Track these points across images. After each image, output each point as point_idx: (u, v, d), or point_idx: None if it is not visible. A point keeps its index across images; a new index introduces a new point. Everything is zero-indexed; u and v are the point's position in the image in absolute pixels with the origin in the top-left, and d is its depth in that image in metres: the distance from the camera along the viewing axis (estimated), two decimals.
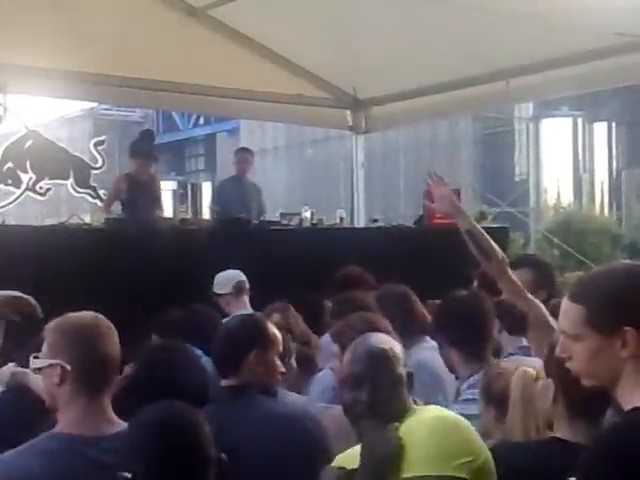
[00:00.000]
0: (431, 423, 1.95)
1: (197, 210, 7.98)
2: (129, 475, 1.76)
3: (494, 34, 6.14)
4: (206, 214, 7.43)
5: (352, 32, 6.69)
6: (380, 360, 2.04)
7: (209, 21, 7.05)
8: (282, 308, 3.95)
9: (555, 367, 1.86)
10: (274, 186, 16.87)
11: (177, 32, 6.80)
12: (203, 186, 15.22)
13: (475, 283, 3.82)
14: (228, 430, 2.10)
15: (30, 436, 1.98)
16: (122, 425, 1.99)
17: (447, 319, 3.02)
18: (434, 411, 2.05)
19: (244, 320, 2.74)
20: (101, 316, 2.06)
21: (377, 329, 2.52)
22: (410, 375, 2.08)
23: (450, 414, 2.05)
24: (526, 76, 6.62)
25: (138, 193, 5.96)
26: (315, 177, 18.10)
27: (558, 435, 1.92)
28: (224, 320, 3.61)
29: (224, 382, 2.52)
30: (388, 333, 2.52)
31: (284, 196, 15.65)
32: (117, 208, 6.24)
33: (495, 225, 8.39)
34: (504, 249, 6.97)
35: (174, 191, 15.91)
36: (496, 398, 2.32)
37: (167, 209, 9.28)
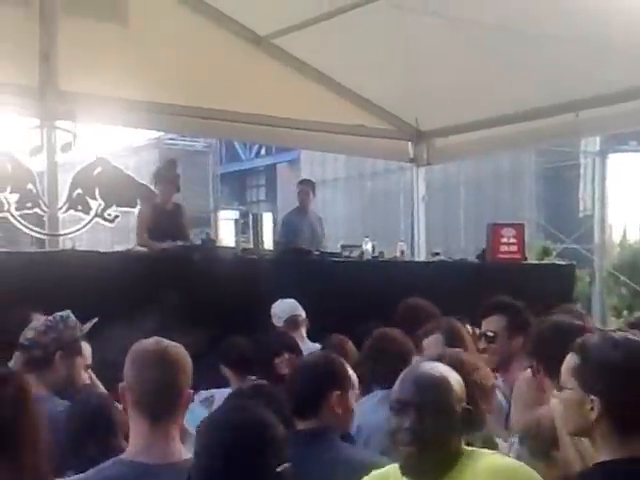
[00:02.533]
0: (488, 476, 1.81)
1: (258, 240, 7.97)
2: None
3: (563, 64, 6.01)
4: (267, 244, 7.40)
5: (415, 63, 6.66)
6: (429, 387, 1.91)
7: (273, 50, 7.12)
8: (339, 342, 3.85)
9: None
10: (333, 217, 16.84)
11: (242, 61, 6.89)
12: (264, 217, 15.29)
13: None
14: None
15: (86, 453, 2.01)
16: (186, 455, 1.95)
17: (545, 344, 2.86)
18: (490, 459, 1.90)
19: (323, 358, 2.59)
20: (172, 344, 2.04)
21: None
22: (468, 411, 1.92)
23: (508, 463, 1.90)
24: (596, 108, 6.44)
25: (163, 221, 5.92)
26: (374, 209, 18.02)
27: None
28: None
29: (301, 425, 2.36)
30: None
31: (343, 227, 15.60)
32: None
33: (562, 262, 8.12)
34: (571, 286, 6.81)
35: (236, 221, 16.09)
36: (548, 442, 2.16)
37: (229, 239, 9.31)
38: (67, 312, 2.96)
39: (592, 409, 1.75)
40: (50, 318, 2.95)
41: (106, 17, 6.36)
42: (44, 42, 5.95)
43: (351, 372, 2.48)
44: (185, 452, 1.97)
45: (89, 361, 2.96)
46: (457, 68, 6.63)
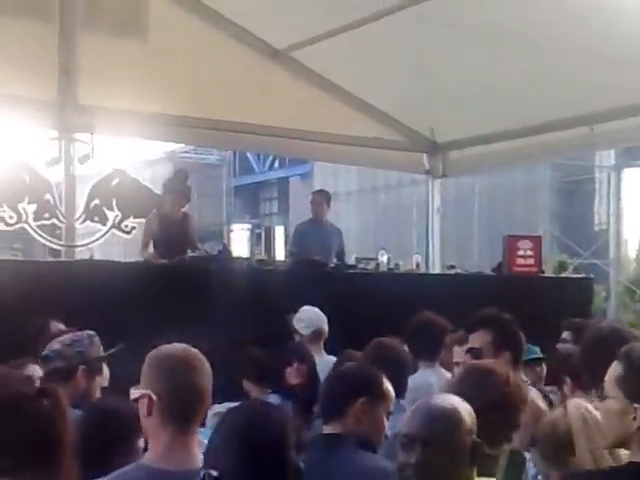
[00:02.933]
0: None
1: (270, 253, 7.96)
2: (216, 473, 1.69)
3: (579, 77, 5.99)
4: (279, 257, 7.40)
5: (431, 75, 6.66)
6: (437, 421, 1.86)
7: (290, 63, 7.16)
8: (350, 358, 3.82)
9: None
10: (346, 230, 16.78)
11: (258, 74, 6.92)
12: (276, 230, 15.28)
13: (565, 334, 3.62)
14: None
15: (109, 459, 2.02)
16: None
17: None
18: None
19: (359, 367, 2.67)
20: (193, 349, 2.04)
21: None
22: (476, 445, 1.87)
23: None
24: (612, 122, 6.41)
25: (170, 232, 5.85)
26: (387, 222, 18.00)
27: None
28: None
29: (326, 429, 2.41)
30: None
31: (356, 240, 15.57)
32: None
33: (579, 275, 8.04)
34: (590, 301, 6.75)
35: (249, 233, 16.12)
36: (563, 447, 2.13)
37: (241, 251, 9.30)
38: (93, 332, 3.00)
39: (635, 418, 1.74)
40: (77, 333, 2.98)
41: (125, 32, 6.43)
42: (64, 56, 6.03)
43: (388, 386, 2.49)
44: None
45: (106, 383, 2.98)
46: (473, 80, 6.63)
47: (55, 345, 2.92)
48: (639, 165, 16.26)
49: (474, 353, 3.00)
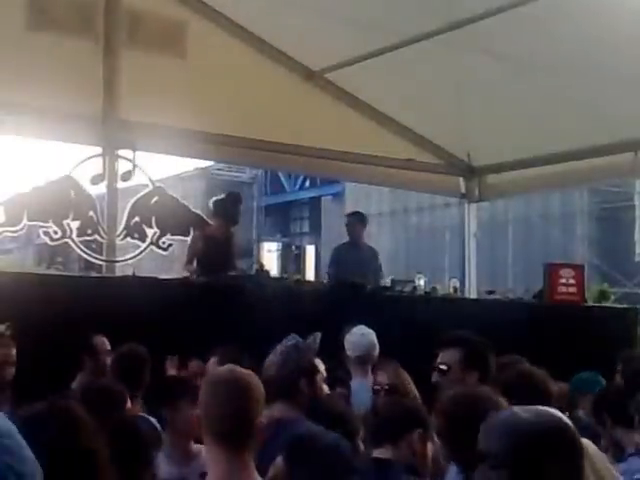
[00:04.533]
0: None
1: (301, 272, 7.92)
2: None
3: (622, 101, 5.90)
4: (309, 276, 7.34)
5: (467, 98, 6.63)
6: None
7: (325, 84, 7.19)
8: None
9: None
10: (378, 252, 16.70)
11: (294, 94, 6.98)
12: (307, 249, 15.27)
13: (620, 367, 3.51)
14: None
15: None
16: None
17: None
18: None
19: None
20: (245, 372, 2.04)
21: None
22: None
23: None
24: None
25: (214, 251, 5.90)
26: (419, 244, 17.89)
27: None
28: None
29: (376, 452, 2.46)
30: None
31: (387, 262, 15.47)
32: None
33: (623, 306, 7.83)
34: (635, 330, 6.57)
35: (278, 252, 16.18)
36: None
37: (272, 269, 9.25)
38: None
39: None
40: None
41: (166, 50, 6.51)
42: (107, 73, 6.10)
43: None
44: None
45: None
46: (510, 104, 6.58)
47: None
48: None
49: (441, 371, 3.00)
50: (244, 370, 2.06)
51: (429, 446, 2.49)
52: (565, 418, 1.65)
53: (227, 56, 6.69)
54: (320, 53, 6.91)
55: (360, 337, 4.40)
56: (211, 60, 6.60)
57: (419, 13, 5.87)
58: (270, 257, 16.60)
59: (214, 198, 6.32)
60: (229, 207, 6.14)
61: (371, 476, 2.36)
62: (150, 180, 6.41)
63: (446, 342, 3.10)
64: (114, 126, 6.15)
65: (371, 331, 4.42)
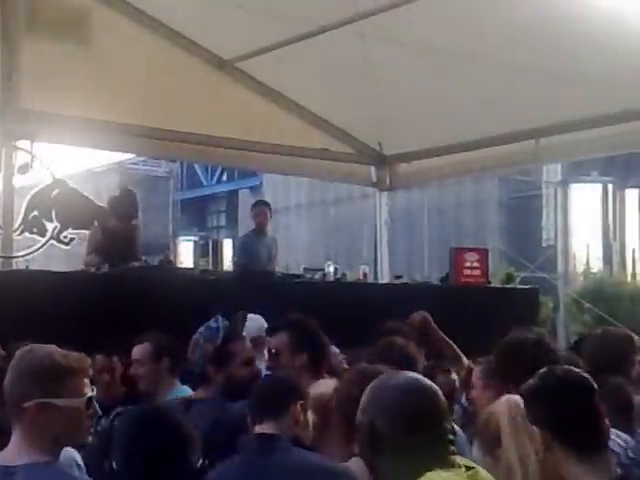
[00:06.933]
0: None
1: (218, 265, 7.88)
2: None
3: (526, 91, 6.09)
4: (226, 268, 7.33)
5: (380, 88, 6.69)
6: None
7: (237, 74, 7.11)
8: None
9: None
10: (296, 243, 16.79)
11: (205, 84, 6.86)
12: (224, 242, 15.09)
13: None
14: None
15: None
16: None
17: None
18: None
19: (288, 373, 2.81)
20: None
21: None
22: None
23: None
24: (557, 135, 6.54)
25: (114, 243, 5.82)
26: (337, 235, 18.06)
27: None
28: None
29: (258, 428, 2.49)
30: None
31: (306, 253, 15.56)
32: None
33: (525, 286, 8.20)
34: (535, 311, 6.85)
35: (195, 245, 15.97)
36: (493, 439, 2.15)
37: (188, 262, 9.13)
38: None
39: None
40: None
41: (68, 37, 6.28)
42: (5, 61, 5.85)
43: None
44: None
45: None
46: (421, 94, 6.68)
47: None
48: (585, 181, 16.67)
49: (272, 355, 3.08)
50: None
51: (309, 415, 2.55)
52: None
53: (134, 45, 6.48)
54: (231, 42, 6.83)
55: (250, 320, 4.45)
56: (118, 49, 6.39)
57: (328, 3, 5.89)
58: (186, 251, 16.40)
59: (110, 195, 6.22)
60: (124, 207, 6.05)
61: (259, 451, 2.40)
62: (51, 173, 6.19)
63: (276, 326, 3.18)
64: (12, 116, 5.89)
65: (259, 316, 4.46)
